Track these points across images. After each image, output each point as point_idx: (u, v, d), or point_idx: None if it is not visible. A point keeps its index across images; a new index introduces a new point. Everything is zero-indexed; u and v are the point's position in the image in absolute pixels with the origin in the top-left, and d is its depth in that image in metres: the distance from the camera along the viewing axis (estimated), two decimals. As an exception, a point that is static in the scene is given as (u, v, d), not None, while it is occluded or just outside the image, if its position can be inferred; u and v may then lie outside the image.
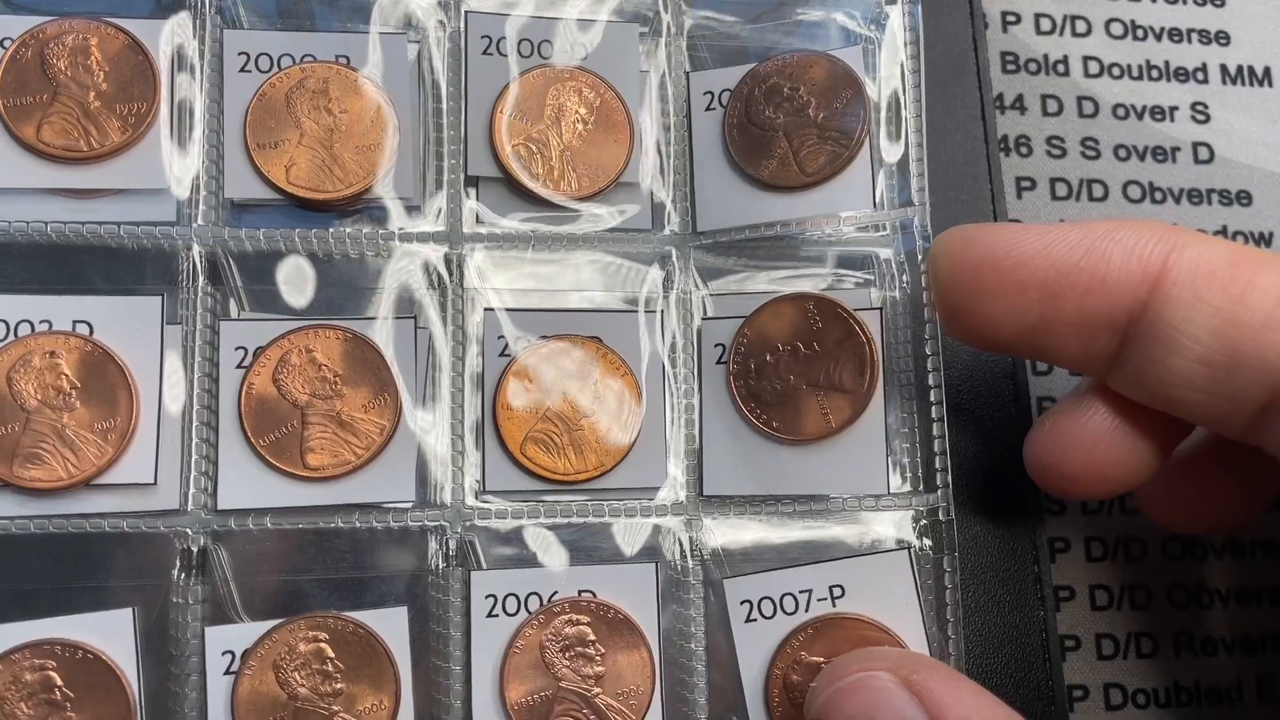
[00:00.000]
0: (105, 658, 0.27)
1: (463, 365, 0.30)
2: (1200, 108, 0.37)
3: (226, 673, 0.28)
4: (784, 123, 0.32)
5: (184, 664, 0.28)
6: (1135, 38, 0.38)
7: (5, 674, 0.27)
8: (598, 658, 0.29)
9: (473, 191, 0.31)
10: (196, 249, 0.30)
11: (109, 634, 0.28)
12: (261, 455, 0.29)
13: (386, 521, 0.29)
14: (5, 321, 0.29)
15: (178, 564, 0.28)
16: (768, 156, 0.31)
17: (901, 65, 0.32)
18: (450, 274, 0.30)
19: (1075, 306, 0.26)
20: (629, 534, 0.30)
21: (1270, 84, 0.38)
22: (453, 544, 0.29)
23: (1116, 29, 0.38)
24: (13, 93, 0.29)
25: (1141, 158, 0.37)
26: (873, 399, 0.30)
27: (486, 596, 0.29)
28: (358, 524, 0.29)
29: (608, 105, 0.32)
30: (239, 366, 0.29)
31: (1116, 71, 0.37)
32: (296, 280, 0.30)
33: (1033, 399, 0.34)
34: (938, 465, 0.30)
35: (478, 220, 0.31)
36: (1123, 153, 0.36)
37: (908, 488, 0.31)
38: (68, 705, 0.27)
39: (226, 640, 0.28)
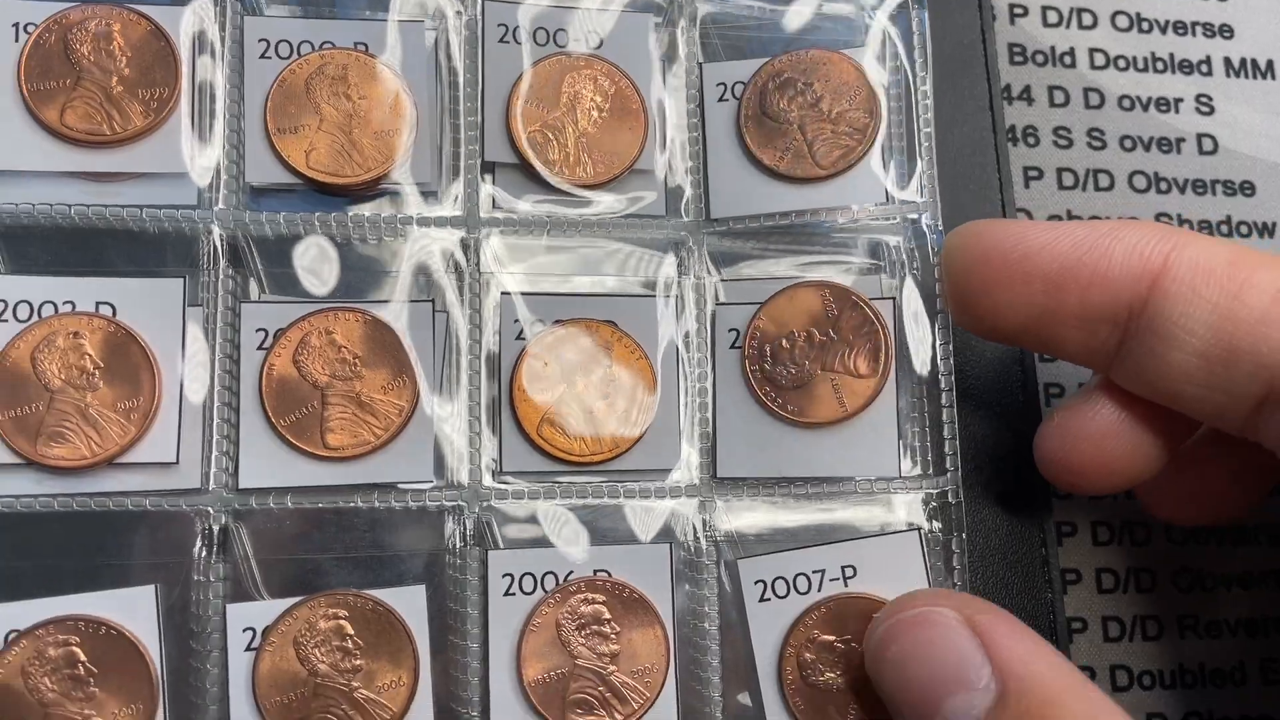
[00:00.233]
0: (128, 634, 0.28)
1: (480, 348, 0.30)
2: (1204, 100, 0.38)
3: (247, 649, 0.28)
4: (798, 115, 0.32)
5: (205, 640, 0.28)
6: (1140, 30, 0.38)
7: (30, 649, 0.27)
8: (613, 636, 0.29)
9: (489, 177, 0.32)
10: (217, 232, 0.30)
11: (131, 610, 0.28)
12: (282, 435, 0.29)
13: (405, 501, 0.29)
14: (29, 302, 0.29)
15: (199, 542, 0.29)
16: (782, 148, 0.32)
17: (911, 59, 0.32)
18: (467, 258, 0.31)
19: (1078, 299, 0.27)
20: (644, 515, 0.30)
21: (1273, 77, 0.38)
22: (470, 524, 0.29)
23: (1122, 22, 0.38)
24: (36, 77, 0.30)
25: (1147, 148, 0.37)
26: (886, 388, 0.31)
27: (504, 575, 0.29)
28: (377, 503, 0.29)
29: (622, 93, 0.32)
30: (260, 348, 0.29)
31: (1122, 64, 0.38)
32: (319, 265, 0.30)
33: (1040, 385, 0.34)
34: (947, 449, 0.31)
35: (494, 205, 0.31)
36: (1128, 143, 0.37)
37: (918, 471, 0.31)
38: (91, 680, 0.27)
39: (247, 617, 0.28)
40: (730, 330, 0.31)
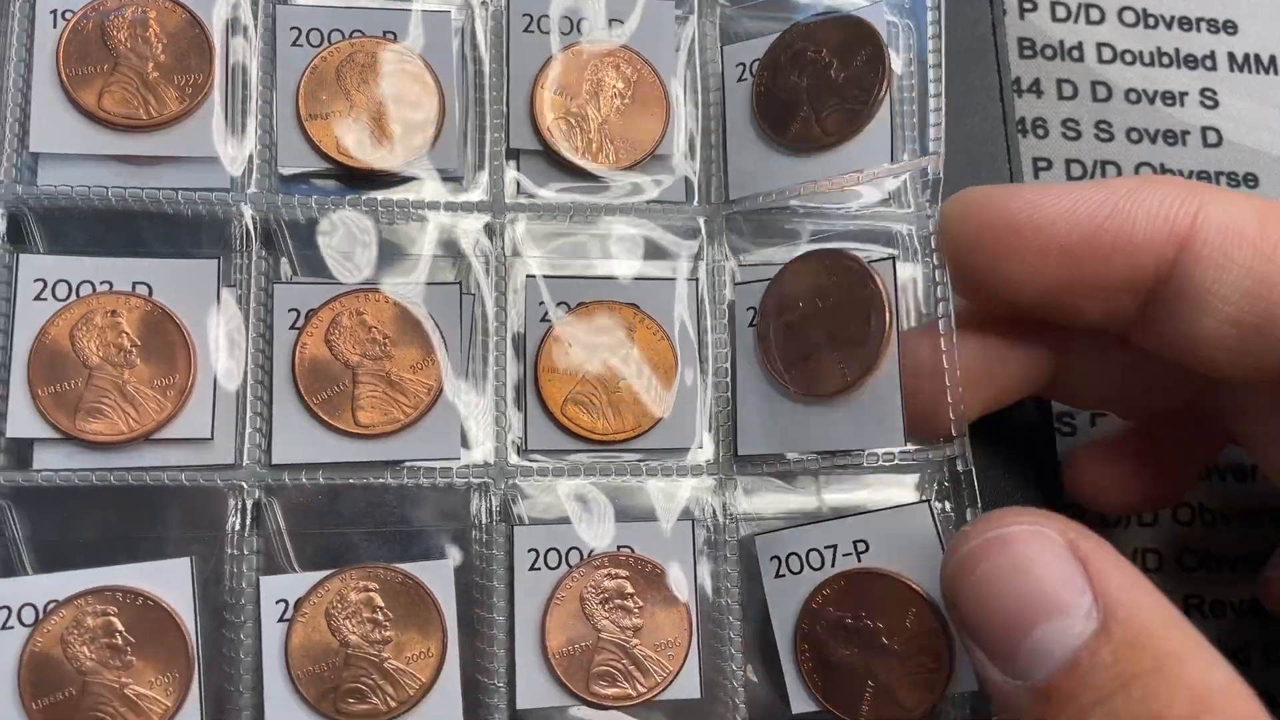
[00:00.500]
0: (164, 604, 0.28)
1: (505, 329, 0.31)
2: (1209, 94, 0.39)
3: (280, 620, 0.29)
4: (807, 86, 0.32)
5: (239, 611, 0.29)
6: (1147, 26, 0.39)
7: (69, 618, 0.28)
8: (636, 610, 0.30)
9: (514, 163, 0.32)
10: (249, 214, 0.31)
11: (168, 582, 0.29)
12: (314, 412, 0.30)
13: (433, 478, 0.30)
14: (68, 282, 0.30)
15: (233, 516, 0.29)
16: (791, 120, 0.32)
17: (923, 22, 0.32)
18: (493, 243, 0.32)
19: (1099, 269, 0.26)
20: (665, 493, 0.31)
21: (1276, 72, 0.39)
22: (496, 500, 0.30)
23: (1129, 17, 0.39)
24: (74, 62, 0.30)
25: (1153, 140, 0.38)
26: (887, 353, 0.30)
27: (529, 550, 0.30)
28: (406, 480, 0.30)
29: (644, 81, 0.33)
30: (292, 328, 0.30)
31: (1129, 58, 0.39)
32: (353, 249, 0.31)
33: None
34: (953, 414, 0.30)
35: (519, 190, 0.32)
36: (1135, 135, 0.38)
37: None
38: (128, 649, 0.28)
39: (280, 589, 0.29)
40: (748, 309, 0.32)
